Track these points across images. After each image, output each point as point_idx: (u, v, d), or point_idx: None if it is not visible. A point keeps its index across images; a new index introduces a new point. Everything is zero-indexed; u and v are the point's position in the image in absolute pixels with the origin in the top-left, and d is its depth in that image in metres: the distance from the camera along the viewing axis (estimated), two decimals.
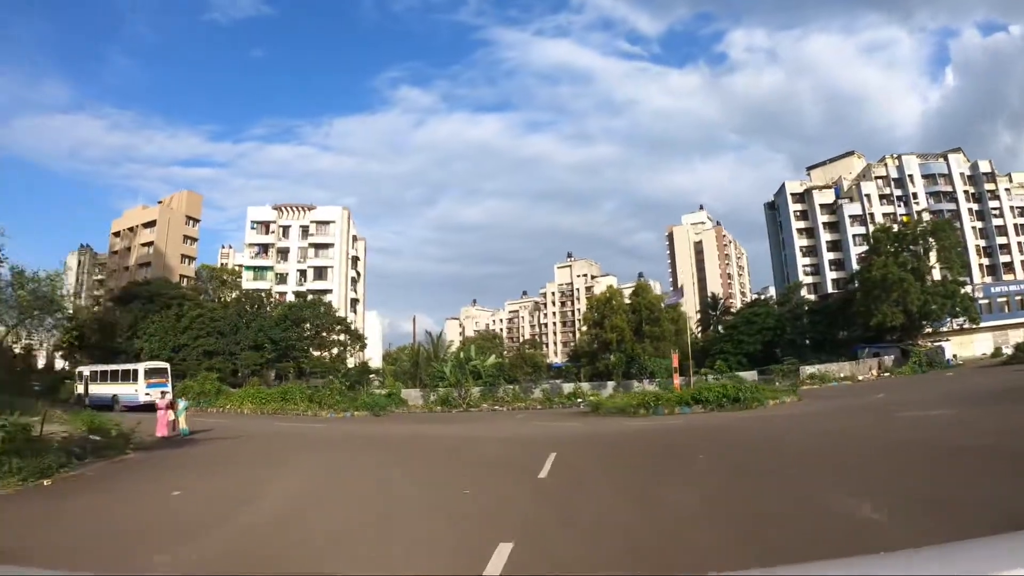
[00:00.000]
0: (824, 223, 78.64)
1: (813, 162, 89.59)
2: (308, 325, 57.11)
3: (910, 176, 75.26)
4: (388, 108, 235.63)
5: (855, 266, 63.66)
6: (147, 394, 37.55)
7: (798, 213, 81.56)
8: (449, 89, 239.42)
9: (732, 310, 76.04)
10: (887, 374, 45.10)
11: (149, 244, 76.34)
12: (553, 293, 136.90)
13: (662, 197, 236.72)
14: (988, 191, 74.29)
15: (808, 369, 44.27)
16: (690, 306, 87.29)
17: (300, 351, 53.01)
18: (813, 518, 7.01)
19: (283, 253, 77.63)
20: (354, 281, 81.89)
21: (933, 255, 53.12)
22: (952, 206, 72.65)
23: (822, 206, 79.51)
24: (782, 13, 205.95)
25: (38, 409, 23.54)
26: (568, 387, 43.87)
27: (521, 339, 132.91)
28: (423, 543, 6.78)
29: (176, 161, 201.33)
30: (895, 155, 78.13)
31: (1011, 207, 73.98)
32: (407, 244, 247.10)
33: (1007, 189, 74.57)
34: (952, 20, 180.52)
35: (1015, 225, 73.66)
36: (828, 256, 77.65)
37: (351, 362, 58.77)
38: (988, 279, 72.02)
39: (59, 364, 61.84)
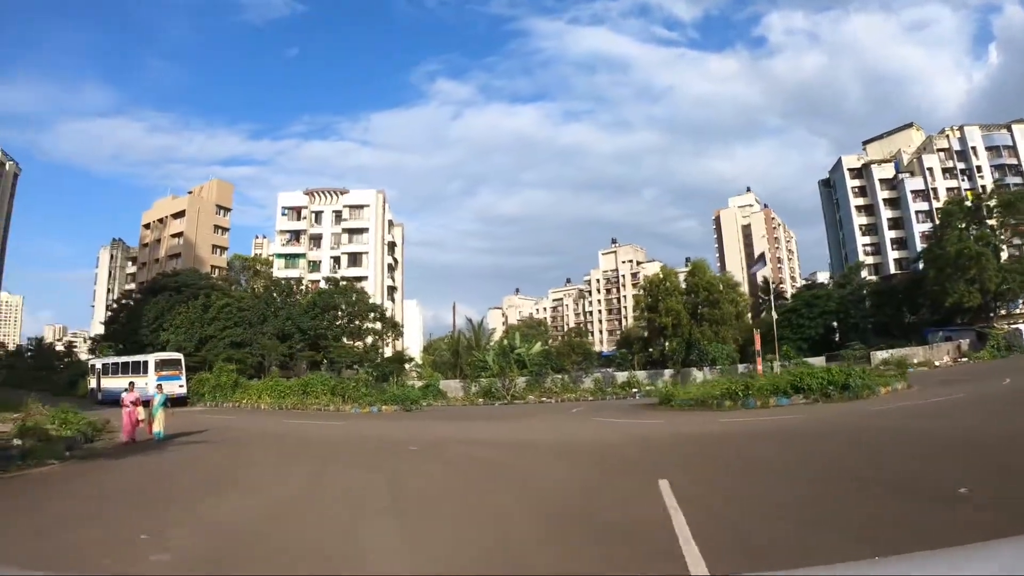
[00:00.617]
0: (884, 199, 73.61)
1: (854, 146, 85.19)
2: (340, 312, 52.91)
3: (973, 148, 69.06)
4: (425, 101, 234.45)
5: (919, 245, 61.07)
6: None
7: (856, 190, 76.57)
8: (486, 80, 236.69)
9: (785, 295, 71.98)
10: (964, 359, 40.99)
11: (179, 235, 73.62)
12: (598, 280, 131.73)
13: (703, 184, 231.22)
14: None
15: (879, 354, 39.90)
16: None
17: (331, 340, 48.56)
18: None
19: (316, 240, 73.76)
20: (391, 268, 77.52)
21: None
22: (1018, 179, 65.90)
23: (882, 181, 74.27)
24: None
25: (26, 406, 20.27)
26: (621, 376, 40.23)
27: (566, 328, 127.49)
28: None
29: (216, 160, 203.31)
30: (956, 127, 71.91)
31: None
32: (449, 237, 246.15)
33: None
34: None
35: None
36: (889, 235, 72.73)
37: (387, 353, 54.19)
38: None
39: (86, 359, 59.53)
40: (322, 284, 60.64)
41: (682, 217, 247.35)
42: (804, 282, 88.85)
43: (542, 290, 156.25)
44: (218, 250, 75.78)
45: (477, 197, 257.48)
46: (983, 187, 59.93)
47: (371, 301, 56.49)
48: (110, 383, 36.82)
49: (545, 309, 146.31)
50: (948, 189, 67.52)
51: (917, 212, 69.28)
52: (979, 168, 68.19)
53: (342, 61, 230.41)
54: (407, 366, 48.22)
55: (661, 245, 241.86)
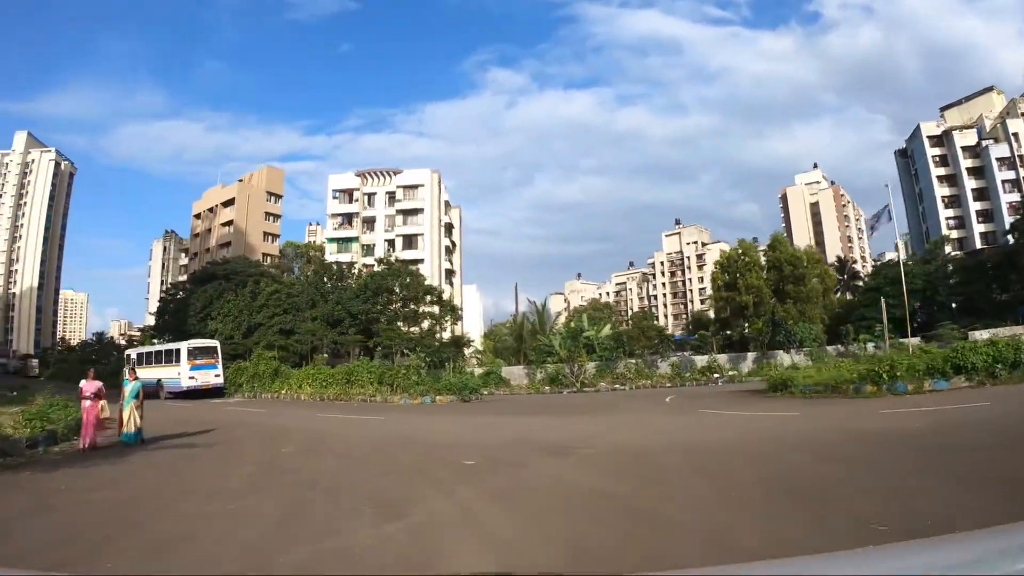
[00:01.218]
0: (968, 169, 68.40)
1: (913, 123, 78.55)
2: (394, 295, 48.98)
3: None
4: (479, 91, 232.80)
5: (1006, 216, 57.39)
6: (191, 377, 30.47)
7: (937, 159, 71.49)
8: (538, 68, 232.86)
9: (859, 275, 67.72)
10: None
11: (229, 223, 71.68)
12: (662, 263, 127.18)
13: (762, 166, 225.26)
14: None
15: (978, 334, 33.56)
16: None
17: (385, 325, 44.47)
18: None
19: (369, 223, 70.17)
20: (448, 251, 73.29)
21: None
22: None
23: (964, 149, 68.89)
24: None
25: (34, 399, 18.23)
26: (700, 360, 36.21)
27: (630, 313, 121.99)
28: None
29: (273, 156, 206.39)
30: None
31: None
32: (506, 225, 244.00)
33: None
34: None
35: None
36: (974, 206, 67.58)
37: (445, 336, 49.80)
38: None
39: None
40: (375, 268, 56.89)
41: (741, 201, 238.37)
42: (874, 262, 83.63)
43: (603, 276, 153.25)
44: (269, 237, 73.34)
45: (533, 185, 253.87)
46: None
47: (428, 284, 52.32)
48: (143, 373, 33.76)
49: (608, 294, 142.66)
50: None
51: (1004, 181, 64.61)
52: None
53: (394, 54, 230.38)
54: (466, 351, 43.55)
55: (721, 229, 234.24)
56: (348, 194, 70.45)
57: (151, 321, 63.85)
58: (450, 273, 71.96)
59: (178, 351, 31.53)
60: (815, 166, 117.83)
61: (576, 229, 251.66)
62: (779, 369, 26.71)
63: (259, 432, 15.61)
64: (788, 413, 15.58)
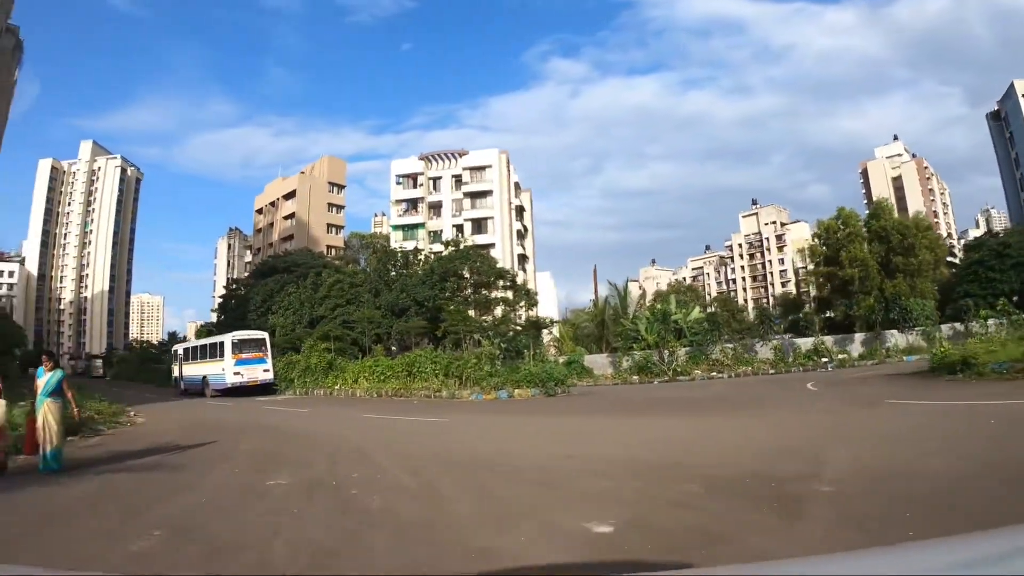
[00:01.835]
0: None
1: (991, 95, 74.86)
2: (463, 280, 44.68)
3: None
4: (541, 82, 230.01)
5: None
6: (236, 373, 26.89)
7: None
8: (599, 56, 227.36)
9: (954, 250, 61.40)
10: None
11: (291, 216, 69.17)
12: (740, 245, 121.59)
13: (833, 145, 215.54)
14: None
15: None
16: None
17: (454, 311, 40.03)
18: None
19: (435, 208, 65.98)
20: (520, 235, 68.25)
21: None
22: None
23: None
24: None
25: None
26: (805, 343, 31.94)
27: (708, 298, 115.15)
28: None
29: (341, 156, 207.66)
30: None
31: None
32: (576, 215, 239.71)
33: None
34: None
35: None
36: None
37: (519, 325, 44.84)
38: None
39: None
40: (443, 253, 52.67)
41: (814, 181, 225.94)
42: (960, 239, 78.45)
43: (677, 261, 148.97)
44: (333, 229, 70.39)
45: (602, 174, 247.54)
46: None
47: (500, 267, 47.65)
48: (189, 370, 30.75)
49: (684, 279, 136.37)
50: None
51: None
52: None
53: (455, 50, 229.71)
54: (545, 335, 38.51)
55: (794, 212, 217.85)
56: (412, 179, 66.56)
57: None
58: (523, 259, 66.93)
59: (222, 344, 28.01)
60: (895, 138, 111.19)
61: (647, 216, 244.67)
62: (897, 350, 26.42)
63: (270, 444, 11.03)
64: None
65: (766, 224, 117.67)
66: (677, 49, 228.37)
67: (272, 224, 71.39)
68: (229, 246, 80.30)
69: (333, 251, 62.61)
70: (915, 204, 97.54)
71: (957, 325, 31.04)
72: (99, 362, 71.92)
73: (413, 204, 66.01)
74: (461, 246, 47.88)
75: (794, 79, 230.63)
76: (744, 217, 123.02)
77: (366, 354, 31.28)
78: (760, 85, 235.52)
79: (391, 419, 15.12)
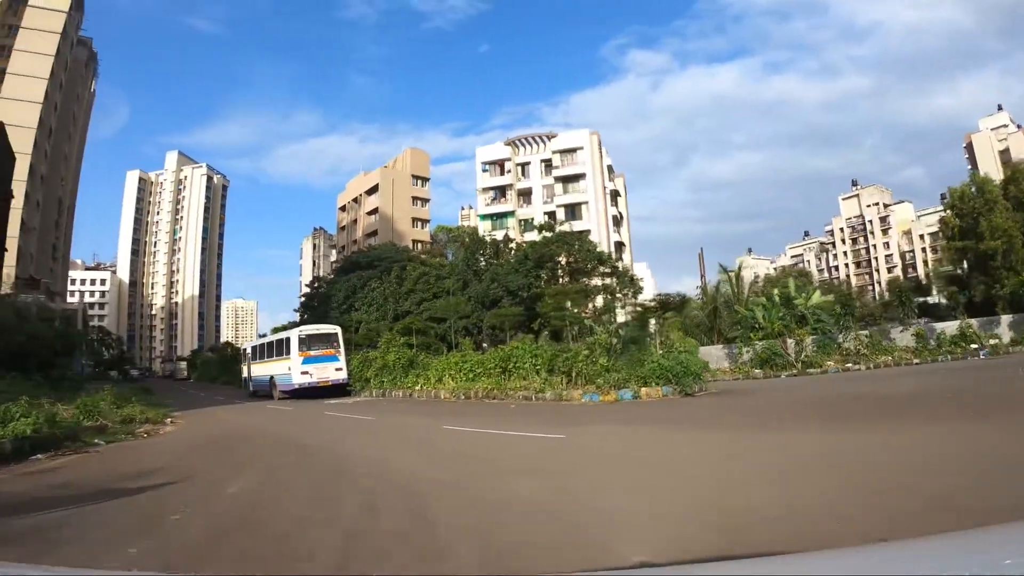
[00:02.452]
0: None
1: None
2: (560, 267, 40.04)
3: None
4: (621, 75, 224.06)
5: None
6: (304, 372, 23.38)
7: None
8: (678, 46, 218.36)
9: None
10: None
11: (374, 211, 66.88)
12: (841, 229, 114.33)
13: (927, 126, 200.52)
14: None
15: None
16: None
17: (559, 295, 35.38)
18: None
19: (524, 195, 61.49)
20: (616, 222, 62.51)
21: None
22: None
23: None
24: None
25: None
26: (948, 327, 27.53)
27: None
28: None
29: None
30: None
31: None
32: (663, 209, 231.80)
33: None
34: None
35: None
36: None
37: (620, 317, 39.44)
38: None
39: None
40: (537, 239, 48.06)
41: (908, 164, 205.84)
42: None
43: (772, 251, 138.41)
44: (418, 223, 67.37)
45: (687, 165, 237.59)
46: None
47: (599, 251, 42.54)
48: (257, 370, 27.70)
49: (783, 268, 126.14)
50: None
51: None
52: None
53: (532, 49, 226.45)
54: (651, 322, 33.03)
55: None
56: (499, 166, 62.39)
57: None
58: (620, 246, 61.09)
59: (288, 341, 24.58)
60: (999, 108, 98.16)
61: (737, 207, 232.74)
62: None
63: (275, 485, 6.70)
64: None
65: (868, 206, 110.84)
66: (757, 33, 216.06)
67: (355, 221, 69.48)
68: (314, 246, 79.73)
69: (419, 246, 59.52)
70: None
71: None
72: (183, 364, 72.90)
73: (501, 192, 61.88)
74: (556, 230, 43.17)
75: (880, 57, 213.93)
76: (844, 200, 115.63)
77: (453, 350, 27.08)
78: (845, 65, 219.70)
79: (481, 433, 10.46)
